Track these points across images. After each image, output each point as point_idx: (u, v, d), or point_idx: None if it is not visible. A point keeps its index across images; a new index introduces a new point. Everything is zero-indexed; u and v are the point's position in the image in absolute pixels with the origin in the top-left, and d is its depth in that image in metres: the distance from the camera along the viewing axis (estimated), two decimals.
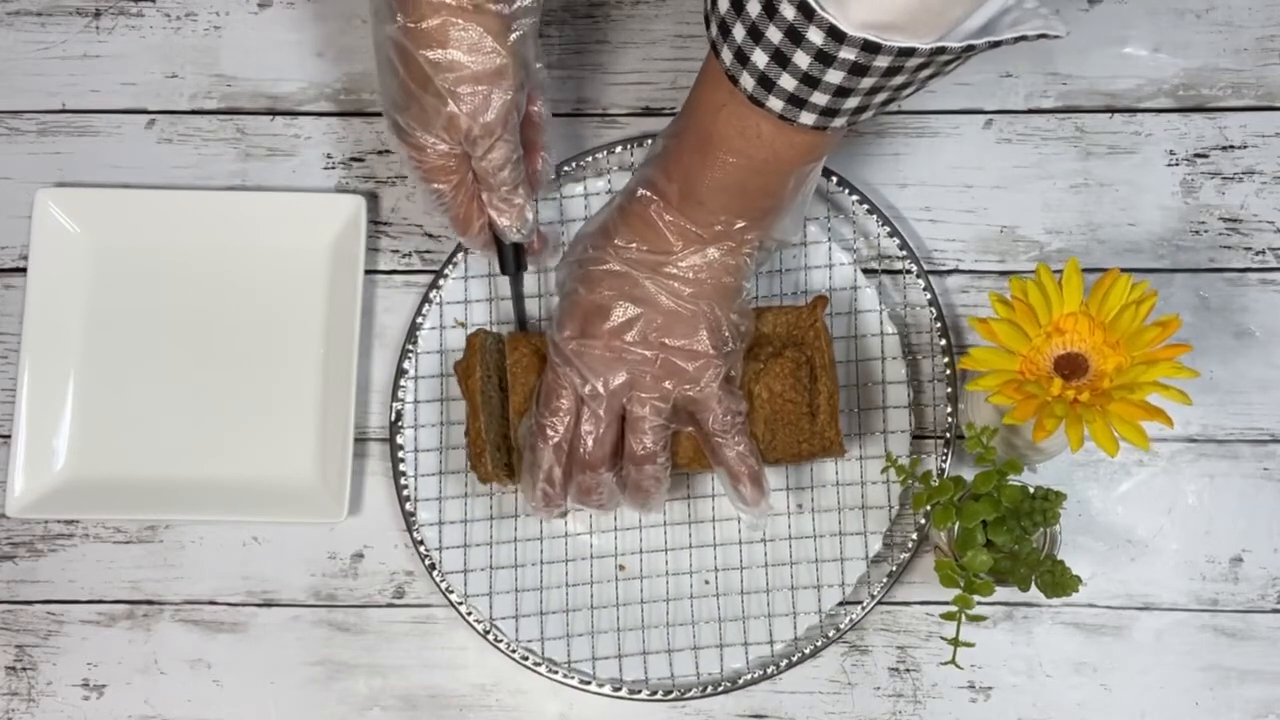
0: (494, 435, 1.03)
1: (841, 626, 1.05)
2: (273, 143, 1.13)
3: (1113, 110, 1.12)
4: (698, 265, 0.98)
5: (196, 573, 1.09)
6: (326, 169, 1.13)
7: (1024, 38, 0.85)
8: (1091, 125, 1.12)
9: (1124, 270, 1.08)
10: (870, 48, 0.83)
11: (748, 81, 0.88)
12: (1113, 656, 1.07)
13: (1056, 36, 0.86)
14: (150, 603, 1.09)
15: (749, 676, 1.05)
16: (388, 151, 1.13)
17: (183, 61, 1.14)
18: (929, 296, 1.08)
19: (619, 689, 1.05)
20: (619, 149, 1.11)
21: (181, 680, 1.08)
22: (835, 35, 0.83)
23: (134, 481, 1.09)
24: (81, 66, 1.14)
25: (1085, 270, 1.07)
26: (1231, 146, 1.11)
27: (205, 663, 1.08)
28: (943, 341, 1.08)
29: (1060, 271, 0.93)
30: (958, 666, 0.96)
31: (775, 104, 0.89)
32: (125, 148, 1.13)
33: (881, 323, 1.08)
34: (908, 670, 1.07)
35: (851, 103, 0.88)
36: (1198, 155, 1.11)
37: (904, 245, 1.09)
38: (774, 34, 0.85)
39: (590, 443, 0.99)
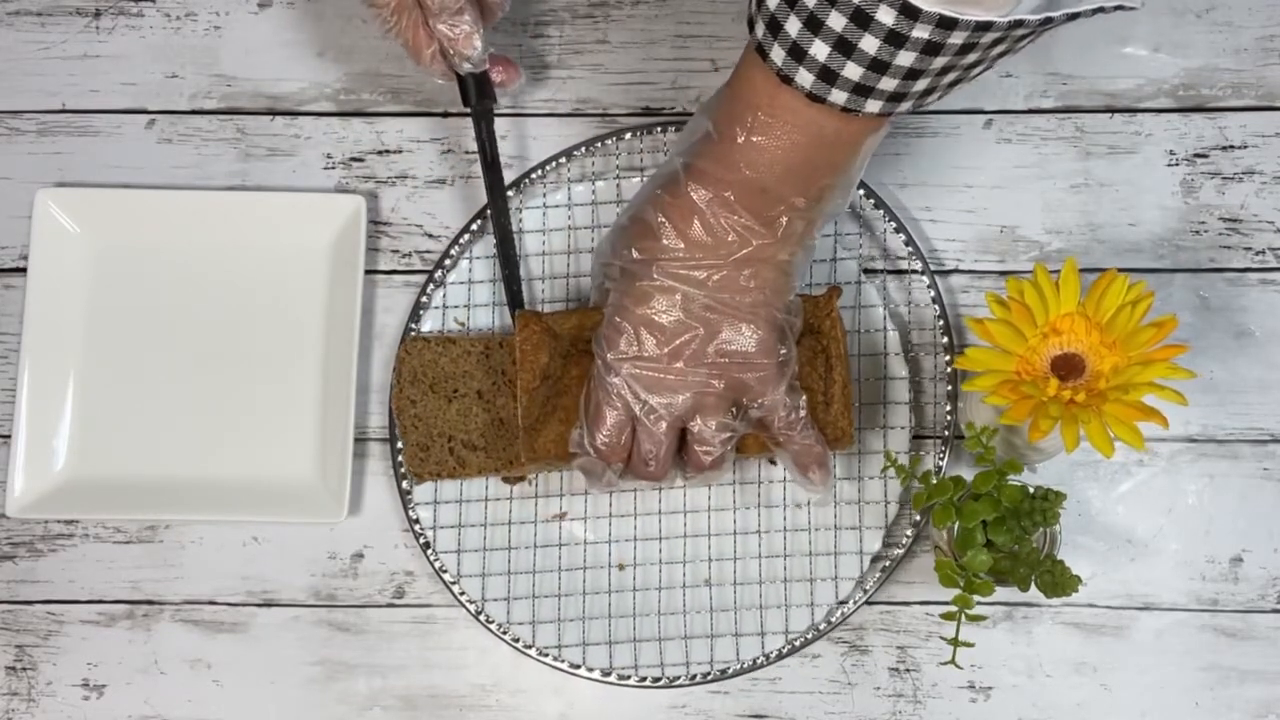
0: (417, 437, 1.07)
1: (833, 620, 1.06)
2: (273, 143, 1.14)
3: (1113, 110, 1.13)
4: (749, 272, 0.95)
5: (196, 573, 1.10)
6: (326, 169, 1.14)
7: (1101, 9, 0.83)
8: (1091, 125, 1.12)
9: (1124, 270, 1.06)
10: (946, 24, 0.80)
11: (805, 78, 0.86)
12: (1113, 656, 1.07)
13: (1132, 8, 0.83)
14: (150, 603, 1.10)
15: (737, 666, 1.06)
16: (388, 151, 1.14)
17: (183, 61, 1.15)
18: (932, 294, 1.09)
19: (608, 674, 1.07)
20: (627, 136, 1.12)
21: (181, 680, 1.09)
22: (908, 12, 0.80)
23: (134, 481, 1.09)
24: (81, 66, 1.15)
25: (1085, 270, 1.08)
26: (1231, 146, 1.12)
27: (205, 663, 1.09)
28: (944, 340, 1.09)
29: (1058, 272, 0.93)
30: (957, 666, 0.97)
31: (838, 97, 0.86)
32: (125, 148, 1.14)
33: (885, 320, 1.09)
34: (908, 670, 1.08)
35: (920, 85, 0.86)
36: (1198, 155, 1.12)
37: (910, 242, 1.10)
38: (837, 20, 0.82)
39: (653, 464, 0.99)
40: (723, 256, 0.95)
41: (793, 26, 0.84)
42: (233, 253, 1.12)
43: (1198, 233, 1.12)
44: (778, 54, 0.86)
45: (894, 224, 1.10)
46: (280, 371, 1.11)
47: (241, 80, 1.15)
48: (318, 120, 1.15)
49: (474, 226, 1.11)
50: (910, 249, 1.10)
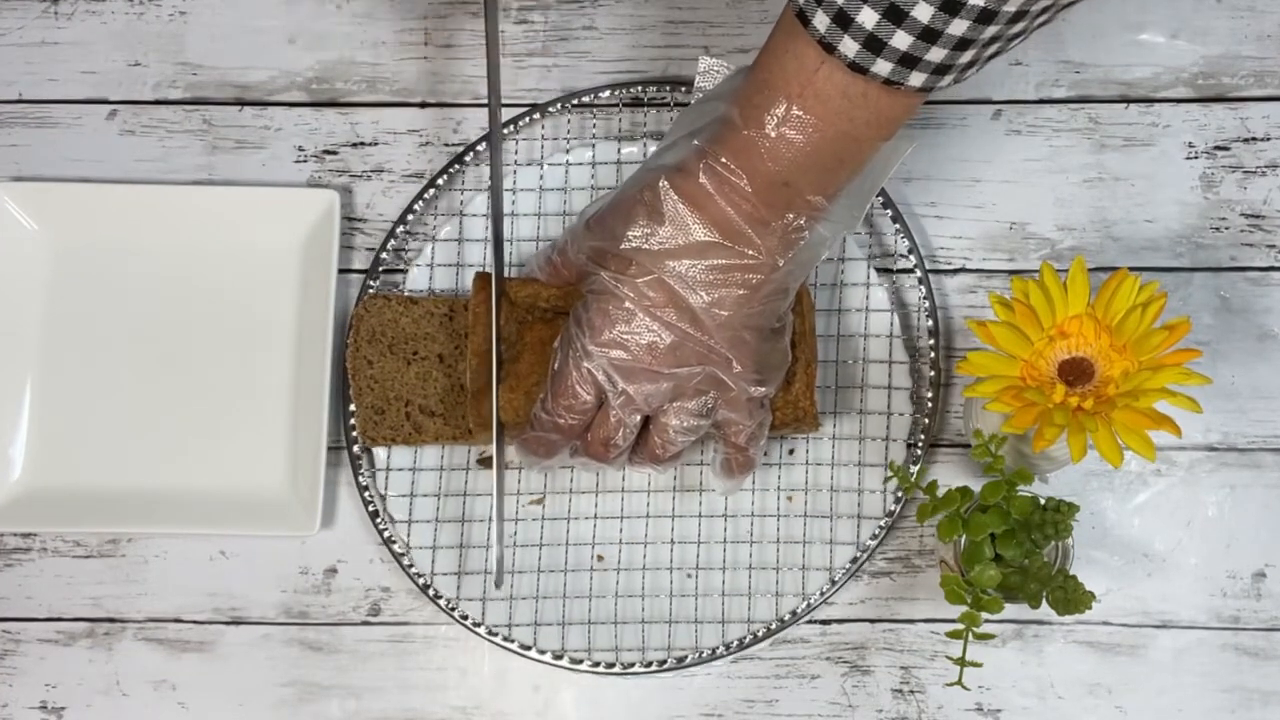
0: (372, 399, 1.07)
1: (813, 602, 1.06)
2: (241, 134, 1.14)
3: (1128, 100, 1.12)
4: (749, 273, 0.95)
5: (160, 589, 1.09)
6: (298, 162, 1.14)
7: None
8: (1106, 116, 1.12)
9: (1140, 269, 1.08)
10: None
11: (849, 47, 0.86)
12: (1128, 677, 1.07)
13: None
14: (112, 620, 1.09)
15: (716, 650, 1.06)
16: (363, 144, 1.13)
17: (146, 49, 1.15)
18: (923, 293, 1.09)
19: (593, 663, 1.07)
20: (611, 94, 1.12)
21: (145, 702, 1.08)
22: None
23: (94, 492, 1.09)
24: (39, 54, 1.15)
25: (1099, 269, 1.09)
26: (1254, 138, 1.12)
27: (170, 684, 1.09)
28: (931, 342, 1.09)
29: (1065, 271, 0.93)
30: (964, 688, 0.96)
31: (883, 67, 0.86)
32: (86, 140, 1.14)
33: (892, 322, 1.09)
34: (912, 692, 1.08)
35: (966, 56, 0.86)
36: (1218, 148, 1.12)
37: (906, 236, 1.10)
38: None
39: (614, 450, 1.00)
40: (726, 251, 0.95)
41: None
42: (199, 251, 1.11)
43: (1218, 229, 1.11)
44: (821, 20, 0.86)
45: (890, 214, 1.10)
46: (249, 376, 1.11)
47: (208, 68, 1.15)
48: (289, 111, 1.14)
49: (439, 181, 1.12)
50: (909, 246, 1.10)
